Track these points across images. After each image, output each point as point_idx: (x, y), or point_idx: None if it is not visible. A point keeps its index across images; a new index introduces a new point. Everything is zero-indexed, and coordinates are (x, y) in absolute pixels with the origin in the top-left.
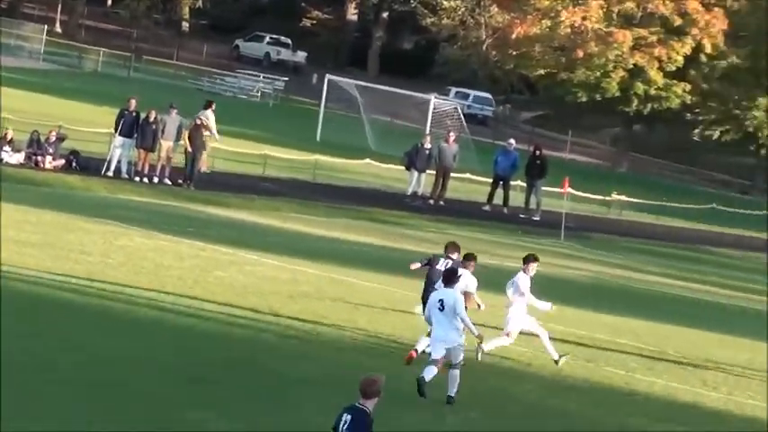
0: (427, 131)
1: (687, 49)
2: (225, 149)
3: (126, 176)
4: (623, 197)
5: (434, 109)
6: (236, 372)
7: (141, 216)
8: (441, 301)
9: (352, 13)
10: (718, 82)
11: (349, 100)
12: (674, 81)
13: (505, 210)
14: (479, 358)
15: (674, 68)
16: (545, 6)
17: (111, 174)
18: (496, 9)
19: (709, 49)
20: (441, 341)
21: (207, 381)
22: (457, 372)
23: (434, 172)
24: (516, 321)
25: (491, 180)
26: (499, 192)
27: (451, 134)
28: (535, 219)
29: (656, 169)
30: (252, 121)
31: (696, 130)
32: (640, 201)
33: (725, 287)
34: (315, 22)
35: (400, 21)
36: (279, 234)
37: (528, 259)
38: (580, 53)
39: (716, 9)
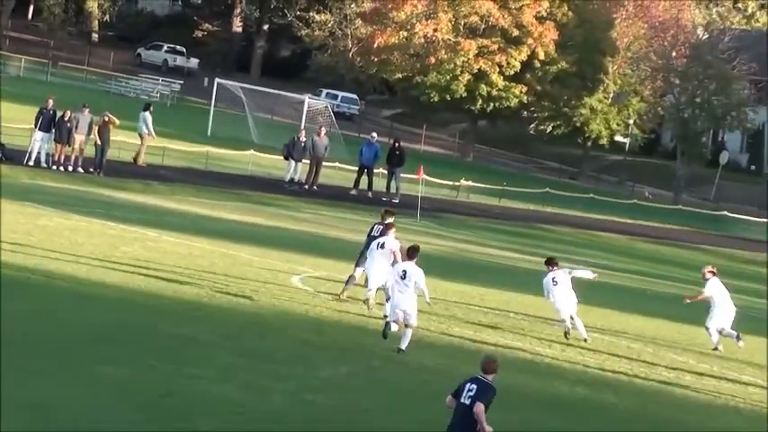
0: (302, 127)
1: (523, 56)
2: (129, 143)
3: (45, 165)
4: (470, 182)
5: (308, 107)
6: (141, 332)
7: (58, 199)
8: (404, 271)
9: (237, 26)
10: (550, 84)
11: (235, 100)
12: (513, 83)
13: (369, 193)
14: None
15: (512, 73)
16: (402, 20)
17: (32, 163)
18: (361, 22)
19: (542, 57)
20: (398, 307)
21: (115, 340)
22: (410, 331)
23: (309, 161)
24: (567, 307)
25: (357, 168)
26: (364, 178)
27: (323, 129)
28: (395, 201)
29: (497, 159)
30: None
31: (532, 126)
32: (484, 186)
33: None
34: (206, 33)
35: (279, 32)
36: (176, 215)
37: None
38: (432, 59)
39: (548, 22)
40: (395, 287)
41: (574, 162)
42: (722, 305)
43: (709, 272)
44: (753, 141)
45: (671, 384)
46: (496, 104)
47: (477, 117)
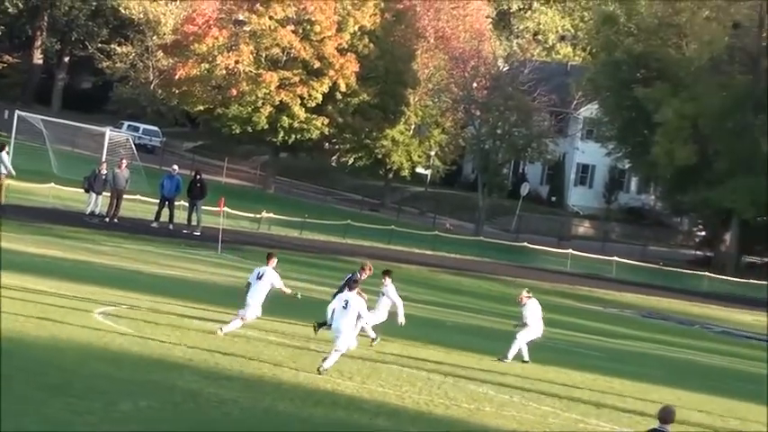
0: (103, 159)
1: (325, 88)
2: None
3: None
4: (271, 214)
5: (109, 140)
6: None
7: None
8: (346, 301)
9: (38, 58)
10: (351, 116)
11: (36, 132)
12: (315, 115)
13: (171, 226)
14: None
15: (314, 105)
16: (203, 52)
17: None
18: (162, 54)
19: (343, 88)
20: (338, 331)
21: None
22: (337, 354)
23: (109, 194)
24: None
25: (158, 200)
26: (165, 210)
27: (124, 161)
28: (196, 234)
29: (299, 190)
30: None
31: (334, 157)
32: (286, 218)
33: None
34: (5, 65)
35: (80, 64)
36: None
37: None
38: (234, 91)
39: (349, 54)
40: (338, 313)
41: (376, 194)
42: (534, 325)
43: (526, 296)
44: (553, 173)
45: (472, 415)
46: (298, 136)
47: (279, 149)
